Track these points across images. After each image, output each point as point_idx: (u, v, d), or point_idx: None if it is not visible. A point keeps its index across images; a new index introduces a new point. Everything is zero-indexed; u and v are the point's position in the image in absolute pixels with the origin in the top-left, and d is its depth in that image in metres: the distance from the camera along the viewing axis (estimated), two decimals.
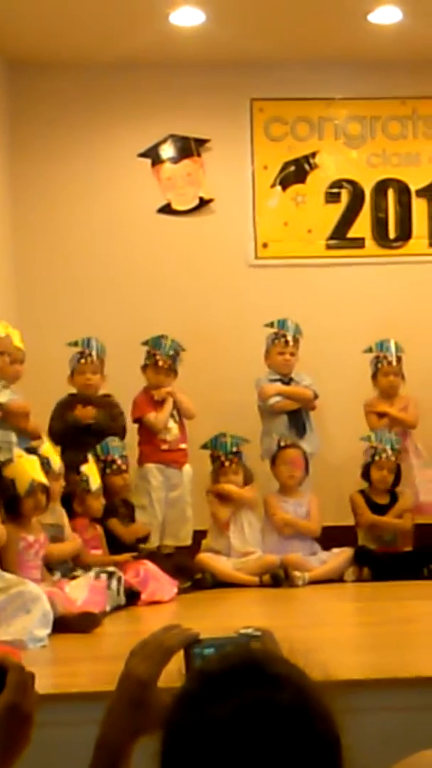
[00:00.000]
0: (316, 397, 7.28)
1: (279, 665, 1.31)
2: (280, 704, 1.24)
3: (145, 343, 7.06)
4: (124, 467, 6.58)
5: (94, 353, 6.86)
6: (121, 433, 6.82)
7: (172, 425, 6.99)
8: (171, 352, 7.06)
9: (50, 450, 5.90)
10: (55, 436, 6.50)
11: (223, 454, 6.92)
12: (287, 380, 7.26)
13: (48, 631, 4.75)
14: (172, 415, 7.00)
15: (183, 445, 7.00)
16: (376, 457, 6.99)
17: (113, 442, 6.61)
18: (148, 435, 6.97)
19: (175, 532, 6.91)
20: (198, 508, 7.00)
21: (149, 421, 6.96)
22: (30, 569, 5.25)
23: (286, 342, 7.27)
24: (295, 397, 7.24)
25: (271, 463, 7.02)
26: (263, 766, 1.20)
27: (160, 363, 7.02)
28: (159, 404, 6.99)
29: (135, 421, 6.99)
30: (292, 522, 6.92)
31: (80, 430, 6.62)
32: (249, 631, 1.66)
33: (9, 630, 4.58)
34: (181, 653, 1.62)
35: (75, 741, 3.23)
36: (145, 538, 6.63)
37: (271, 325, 7.31)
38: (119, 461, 6.55)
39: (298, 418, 7.24)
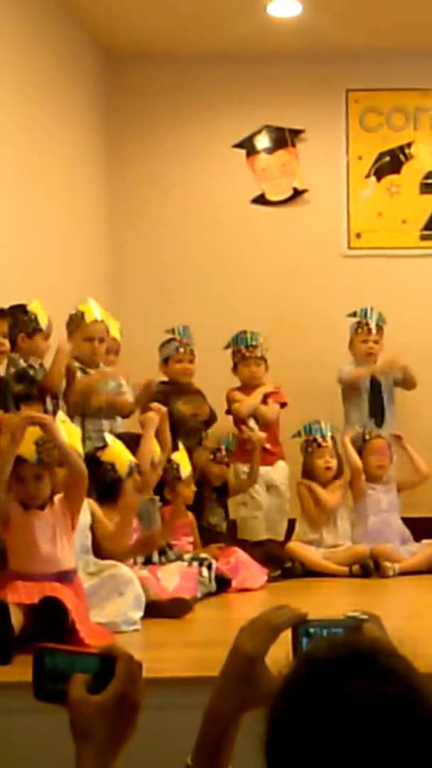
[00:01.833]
0: None
1: (387, 657, 1.30)
2: (387, 697, 1.24)
3: (227, 346, 7.06)
4: (226, 460, 6.63)
5: (191, 342, 6.89)
6: (209, 425, 6.86)
7: (254, 425, 6.97)
8: (254, 342, 7.05)
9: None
10: None
11: (320, 437, 6.92)
12: None
13: (141, 613, 4.79)
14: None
15: (267, 445, 6.99)
16: None
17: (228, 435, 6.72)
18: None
19: (273, 527, 6.96)
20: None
21: (234, 408, 6.98)
22: None
23: (369, 330, 7.21)
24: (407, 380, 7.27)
25: (359, 453, 7.02)
26: (367, 758, 1.21)
27: (248, 354, 7.02)
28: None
29: (227, 413, 7.02)
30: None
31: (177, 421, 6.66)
32: (357, 614, 1.67)
33: (102, 612, 4.64)
34: (289, 632, 1.65)
35: (162, 725, 3.30)
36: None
37: (354, 314, 7.27)
38: (224, 452, 6.61)
39: (378, 402, 7.22)
